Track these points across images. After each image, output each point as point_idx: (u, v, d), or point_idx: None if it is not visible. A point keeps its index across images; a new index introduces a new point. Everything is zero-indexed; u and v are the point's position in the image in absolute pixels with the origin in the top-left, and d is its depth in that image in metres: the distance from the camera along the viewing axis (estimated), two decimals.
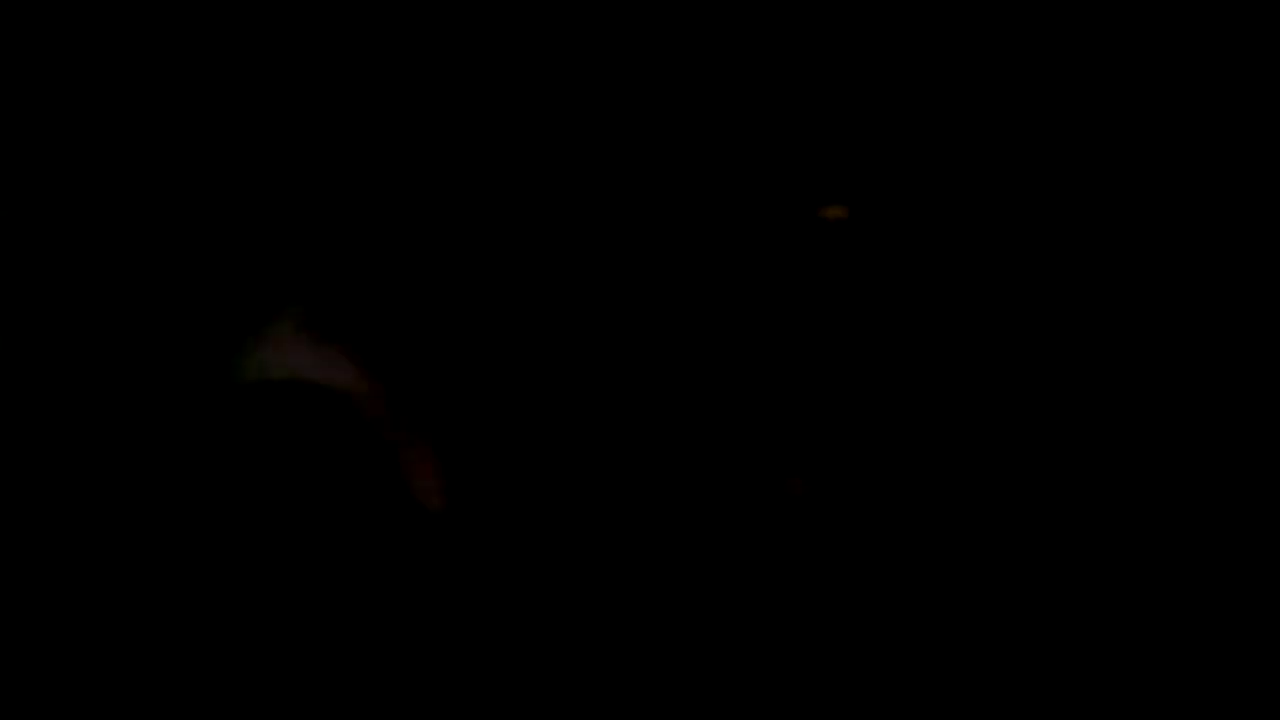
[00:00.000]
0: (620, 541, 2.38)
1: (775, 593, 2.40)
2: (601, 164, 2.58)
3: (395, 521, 2.18)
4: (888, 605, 2.40)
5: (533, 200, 2.52)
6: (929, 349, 2.52)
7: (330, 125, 2.48)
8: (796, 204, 2.53)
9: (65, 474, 2.32)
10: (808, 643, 2.38)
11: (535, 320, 2.50)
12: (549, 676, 2.30)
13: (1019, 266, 2.61)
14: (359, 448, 2.19)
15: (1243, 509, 2.57)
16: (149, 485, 2.23)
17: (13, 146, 2.56)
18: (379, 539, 2.17)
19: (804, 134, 2.52)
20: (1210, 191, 2.62)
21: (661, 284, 2.57)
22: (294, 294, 2.37)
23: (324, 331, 2.31)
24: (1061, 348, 2.59)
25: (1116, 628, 2.52)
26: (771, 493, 2.43)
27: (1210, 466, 2.58)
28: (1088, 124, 2.63)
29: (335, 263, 2.40)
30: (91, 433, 2.34)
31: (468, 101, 2.52)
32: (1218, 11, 2.61)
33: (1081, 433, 2.57)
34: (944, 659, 2.37)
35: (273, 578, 2.14)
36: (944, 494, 2.46)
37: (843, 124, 2.52)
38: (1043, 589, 2.44)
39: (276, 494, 2.16)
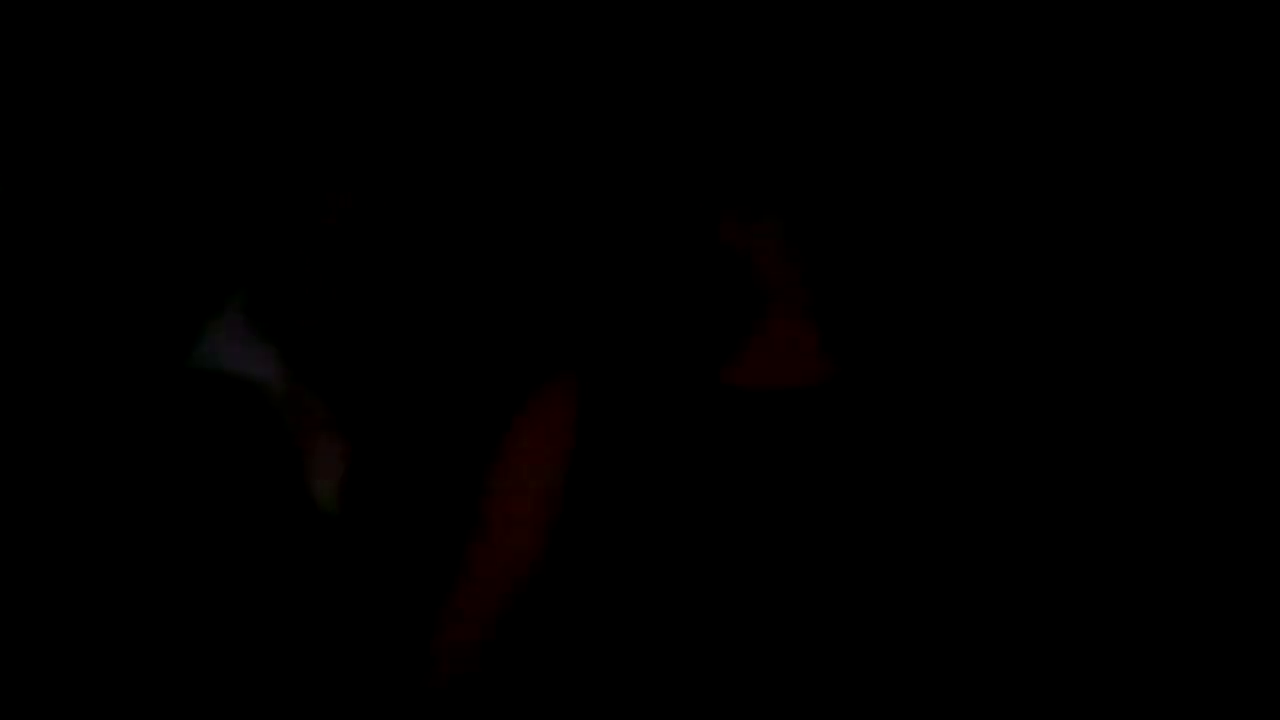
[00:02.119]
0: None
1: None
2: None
3: (287, 517, 2.23)
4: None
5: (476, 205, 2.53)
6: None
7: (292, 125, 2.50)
8: None
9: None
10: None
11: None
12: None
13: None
14: (266, 442, 2.25)
15: (1243, 510, 2.56)
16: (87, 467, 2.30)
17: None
18: (269, 532, 2.22)
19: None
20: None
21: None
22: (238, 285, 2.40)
23: (261, 327, 2.34)
24: None
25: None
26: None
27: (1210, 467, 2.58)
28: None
29: (278, 258, 2.40)
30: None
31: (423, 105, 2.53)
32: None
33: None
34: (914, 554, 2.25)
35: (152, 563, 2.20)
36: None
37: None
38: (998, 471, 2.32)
39: (179, 478, 2.23)
